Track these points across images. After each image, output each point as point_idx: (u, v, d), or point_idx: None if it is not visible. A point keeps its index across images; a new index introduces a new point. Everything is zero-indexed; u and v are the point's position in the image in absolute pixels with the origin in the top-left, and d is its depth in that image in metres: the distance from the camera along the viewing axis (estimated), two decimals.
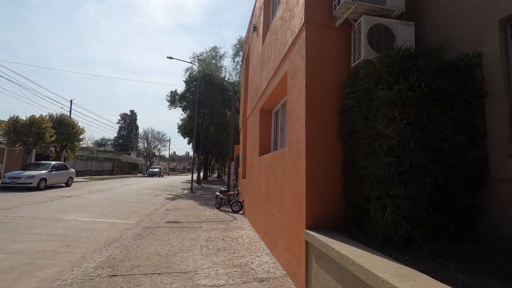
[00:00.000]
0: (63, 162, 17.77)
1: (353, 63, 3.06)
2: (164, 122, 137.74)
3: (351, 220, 2.88)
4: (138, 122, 66.49)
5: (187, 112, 27.53)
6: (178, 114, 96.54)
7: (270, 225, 4.58)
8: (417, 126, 2.08)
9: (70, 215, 7.36)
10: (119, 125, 60.87)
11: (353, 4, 2.89)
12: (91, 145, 39.42)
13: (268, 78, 5.27)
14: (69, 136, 19.63)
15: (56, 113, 20.01)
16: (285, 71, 4.01)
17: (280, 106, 5.64)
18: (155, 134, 54.07)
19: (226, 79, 24.92)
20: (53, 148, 19.03)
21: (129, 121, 63.00)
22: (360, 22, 2.93)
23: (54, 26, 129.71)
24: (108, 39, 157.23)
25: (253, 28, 7.89)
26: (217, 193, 9.96)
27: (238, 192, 9.61)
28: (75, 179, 18.24)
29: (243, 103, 10.37)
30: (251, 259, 4.08)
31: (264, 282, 3.24)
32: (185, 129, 29.39)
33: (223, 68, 25.54)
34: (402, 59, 2.21)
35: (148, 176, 38.56)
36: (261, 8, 6.83)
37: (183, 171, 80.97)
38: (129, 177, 34.47)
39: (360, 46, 2.89)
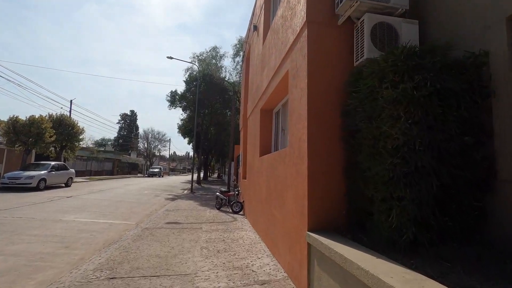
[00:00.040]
0: (62, 163, 17.72)
1: (355, 62, 3.01)
2: (164, 122, 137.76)
3: (354, 221, 2.83)
4: (138, 122, 66.55)
5: (187, 112, 27.48)
6: (178, 114, 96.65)
7: (271, 226, 4.52)
8: (423, 126, 2.02)
9: (69, 215, 7.31)
10: (119, 125, 60.87)
11: (356, 2, 2.84)
12: (91, 145, 39.39)
13: (268, 77, 5.21)
14: (69, 136, 19.58)
15: (56, 113, 19.97)
16: (286, 71, 3.96)
17: (281, 106, 5.59)
18: (155, 134, 54.13)
19: (226, 79, 24.86)
20: (52, 148, 18.97)
21: (129, 121, 62.96)
22: (363, 20, 2.87)
23: (54, 26, 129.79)
24: (108, 39, 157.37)
25: (253, 27, 7.84)
26: (217, 193, 9.91)
27: (239, 192, 9.56)
28: (75, 179, 18.21)
29: (244, 103, 10.31)
30: (251, 261, 4.03)
31: (266, 285, 3.19)
32: (185, 129, 29.34)
33: (223, 68, 25.50)
34: (407, 58, 2.15)
35: (148, 176, 38.51)
36: (262, 7, 6.78)
37: (183, 171, 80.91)
38: (129, 177, 34.42)
39: (363, 44, 2.83)
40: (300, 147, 3.20)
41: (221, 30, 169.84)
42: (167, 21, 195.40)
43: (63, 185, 15.78)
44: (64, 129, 19.24)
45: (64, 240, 5.06)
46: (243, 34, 16.77)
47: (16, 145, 15.81)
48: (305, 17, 3.20)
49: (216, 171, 58.51)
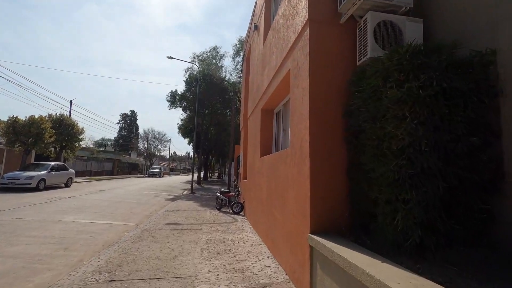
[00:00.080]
0: (62, 163, 17.68)
1: (358, 61, 2.95)
2: (164, 122, 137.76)
3: (357, 224, 2.77)
4: (139, 122, 66.51)
5: (187, 112, 27.41)
6: (178, 114, 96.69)
7: (272, 228, 4.47)
8: (429, 126, 1.97)
9: (68, 216, 7.26)
10: (119, 125, 60.85)
11: (359, 0, 2.78)
12: (91, 146, 39.36)
13: (269, 77, 5.16)
14: (69, 137, 19.52)
15: (56, 114, 19.93)
16: (288, 70, 3.91)
17: (281, 106, 5.54)
18: (155, 134, 54.05)
19: (226, 79, 24.81)
20: (52, 148, 18.92)
21: (129, 121, 62.93)
22: (366, 18, 2.82)
23: (55, 27, 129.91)
24: (108, 39, 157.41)
25: (254, 27, 7.78)
26: (218, 194, 9.86)
27: (239, 193, 9.51)
28: (75, 179, 18.16)
29: (244, 103, 10.26)
30: (252, 263, 3.97)
31: None
32: (185, 129, 29.27)
33: (223, 68, 25.45)
34: (412, 56, 2.10)
35: (148, 176, 38.45)
36: (262, 6, 6.73)
37: (183, 171, 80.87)
38: (129, 177, 34.37)
39: (367, 43, 2.78)
40: (302, 148, 3.14)
41: (221, 30, 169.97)
42: (167, 21, 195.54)
43: (63, 185, 15.73)
44: (64, 129, 19.20)
45: (63, 241, 5.01)
46: (243, 34, 16.74)
47: (15, 145, 15.76)
48: (307, 16, 3.15)
49: (216, 171, 58.46)
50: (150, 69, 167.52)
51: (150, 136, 52.95)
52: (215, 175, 55.56)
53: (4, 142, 16.05)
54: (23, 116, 20.54)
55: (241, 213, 8.60)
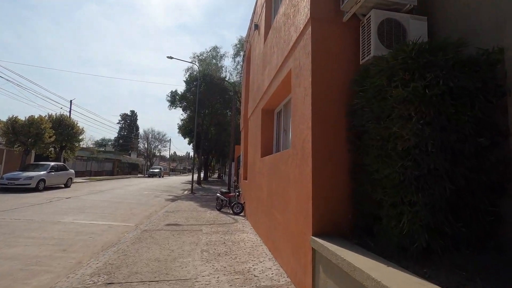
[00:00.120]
0: (62, 163, 17.63)
1: (361, 60, 2.90)
2: (164, 123, 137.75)
3: (360, 226, 2.72)
4: (139, 123, 66.44)
5: (188, 112, 27.35)
6: (178, 114, 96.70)
7: (273, 229, 4.42)
8: (436, 126, 1.92)
9: (68, 217, 7.21)
10: (119, 125, 60.82)
11: None
12: (91, 146, 39.32)
13: (270, 77, 5.11)
14: (69, 137, 19.48)
15: (56, 114, 19.88)
16: (289, 69, 3.86)
17: (282, 106, 5.48)
18: (156, 134, 53.95)
19: (226, 79, 24.76)
20: (52, 148, 18.88)
21: (129, 122, 62.91)
22: (369, 16, 2.77)
23: (55, 27, 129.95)
24: (109, 39, 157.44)
25: (254, 26, 7.73)
26: (218, 194, 9.81)
27: (239, 193, 9.45)
28: (75, 179, 18.11)
29: (244, 103, 10.21)
30: (253, 265, 3.92)
31: None
32: (185, 130, 29.22)
33: (223, 68, 25.40)
34: (418, 55, 2.05)
35: (149, 176, 38.39)
36: (263, 5, 6.68)
37: (183, 171, 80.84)
38: (129, 177, 34.33)
39: (370, 42, 2.73)
40: (304, 148, 3.09)
41: (221, 30, 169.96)
42: (167, 21, 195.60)
43: (63, 185, 15.68)
44: (63, 130, 19.15)
45: (62, 242, 4.96)
46: (244, 34, 16.69)
47: (15, 146, 15.71)
48: (308, 14, 3.10)
49: (217, 171, 58.41)
50: (150, 69, 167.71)
51: (150, 136, 52.90)
52: (215, 175, 55.51)
53: (4, 142, 16.00)
54: (22, 116, 20.51)
55: (241, 214, 8.54)
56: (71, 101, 26.52)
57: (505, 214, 2.04)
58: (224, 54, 25.20)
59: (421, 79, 1.99)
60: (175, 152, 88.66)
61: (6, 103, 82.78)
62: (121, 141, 58.34)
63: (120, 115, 63.58)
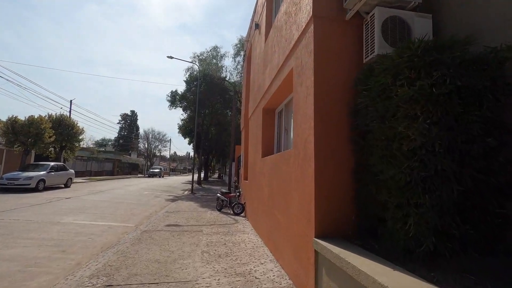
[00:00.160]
0: (62, 163, 17.58)
1: (365, 58, 2.85)
2: (164, 123, 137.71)
3: (363, 228, 2.67)
4: (139, 123, 66.34)
5: (188, 112, 27.30)
6: (178, 114, 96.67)
7: (274, 230, 4.37)
8: (443, 126, 1.86)
9: (67, 217, 7.16)
10: (119, 125, 60.79)
11: None
12: (91, 146, 39.27)
13: (271, 76, 5.06)
14: (69, 137, 19.44)
15: (56, 114, 19.84)
16: (291, 68, 3.80)
17: (284, 106, 5.43)
18: (156, 134, 53.88)
19: (227, 79, 24.71)
20: (52, 148, 18.84)
21: (129, 122, 62.88)
22: (373, 14, 2.71)
23: (55, 27, 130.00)
24: (109, 39, 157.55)
25: (255, 25, 7.68)
26: (218, 194, 9.75)
27: (240, 193, 9.40)
28: (75, 180, 18.06)
29: (245, 103, 10.16)
30: (254, 267, 3.87)
31: None
32: (185, 130, 29.16)
33: (224, 68, 25.35)
34: (424, 53, 2.00)
35: (149, 176, 38.35)
36: (264, 4, 6.63)
37: (183, 171, 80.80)
38: (129, 177, 34.30)
39: (374, 40, 2.68)
40: (306, 148, 3.04)
41: (221, 30, 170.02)
42: (167, 21, 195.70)
43: (63, 185, 15.64)
44: (63, 130, 19.11)
45: (61, 243, 4.92)
46: (244, 34, 16.63)
47: (15, 146, 15.67)
48: (311, 12, 3.05)
49: (217, 171, 58.35)
50: (151, 69, 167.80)
51: (150, 136, 52.84)
52: (216, 175, 55.45)
53: (4, 142, 15.96)
54: (22, 116, 20.47)
55: (242, 214, 8.49)
56: (71, 101, 26.49)
57: None
58: (224, 54, 25.18)
59: (428, 78, 1.94)
60: (175, 152, 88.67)
61: (6, 103, 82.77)
62: (121, 141, 58.30)
63: (120, 115, 63.67)
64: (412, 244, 1.91)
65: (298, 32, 3.49)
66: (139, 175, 43.18)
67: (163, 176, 41.96)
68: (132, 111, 63.59)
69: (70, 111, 25.47)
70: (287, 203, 3.71)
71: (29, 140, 15.63)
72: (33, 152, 18.52)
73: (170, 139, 56.79)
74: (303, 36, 3.35)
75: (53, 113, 19.66)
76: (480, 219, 1.92)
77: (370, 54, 2.72)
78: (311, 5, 3.06)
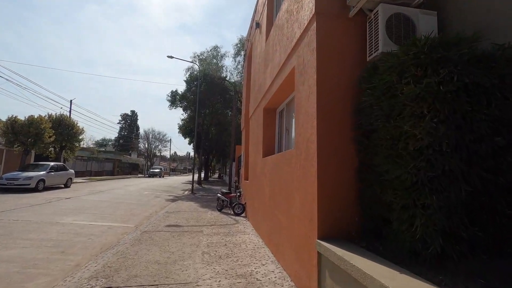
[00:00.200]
0: (62, 163, 17.53)
1: (369, 56, 2.80)
2: (165, 123, 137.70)
3: (368, 229, 2.62)
4: (139, 123, 66.25)
5: (188, 112, 27.24)
6: (178, 114, 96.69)
7: (275, 231, 4.31)
8: (451, 125, 1.81)
9: (67, 218, 7.11)
10: (120, 125, 60.73)
11: None
12: (92, 146, 39.22)
13: (272, 75, 5.01)
14: (69, 137, 19.39)
15: (56, 113, 19.80)
16: (292, 67, 3.75)
17: (285, 105, 5.38)
18: (156, 134, 53.82)
19: (227, 78, 24.65)
20: (52, 148, 18.79)
21: (130, 122, 62.82)
22: (377, 11, 2.66)
23: (56, 27, 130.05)
24: (110, 39, 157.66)
25: (256, 25, 7.63)
26: (219, 194, 9.70)
27: (240, 194, 9.34)
28: (75, 180, 18.02)
29: (245, 103, 10.11)
30: (255, 268, 3.82)
31: None
32: (185, 129, 29.11)
33: (224, 68, 25.29)
34: (431, 49, 1.95)
35: (149, 176, 38.30)
36: (265, 3, 6.58)
37: (183, 171, 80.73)
38: (129, 177, 34.25)
39: (378, 37, 2.62)
40: (308, 148, 2.99)
41: (221, 30, 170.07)
42: (167, 21, 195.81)
43: (63, 186, 15.58)
44: (63, 129, 19.06)
45: (60, 244, 4.87)
46: (244, 34, 16.58)
47: (14, 146, 15.63)
48: (313, 9, 3.00)
49: (217, 171, 58.30)
50: (151, 69, 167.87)
51: (150, 136, 52.75)
52: (216, 175, 55.40)
53: (3, 142, 15.92)
54: (22, 116, 20.42)
55: (242, 215, 8.44)
56: (71, 101, 26.45)
57: None
58: (224, 54, 25.11)
59: (435, 75, 1.89)
60: (175, 152, 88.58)
61: (6, 103, 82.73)
62: (121, 141, 58.24)
63: (121, 115, 63.57)
64: (418, 246, 1.86)
65: (300, 30, 3.44)
66: (139, 175, 43.13)
67: (163, 176, 41.90)
68: (132, 111, 63.56)
69: (70, 111, 25.45)
70: (289, 204, 3.66)
71: (29, 140, 15.58)
72: (33, 152, 18.47)
73: (170, 139, 56.73)
74: (305, 34, 3.30)
75: (53, 113, 19.63)
76: (488, 220, 1.87)
77: (374, 52, 2.67)
78: (314, 2, 3.01)
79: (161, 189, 18.57)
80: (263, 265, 3.97)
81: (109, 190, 15.35)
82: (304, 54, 3.28)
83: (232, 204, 8.89)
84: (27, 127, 15.39)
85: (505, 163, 1.89)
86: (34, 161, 18.62)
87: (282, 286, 3.24)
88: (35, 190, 12.69)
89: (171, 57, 18.19)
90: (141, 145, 54.26)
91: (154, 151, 54.15)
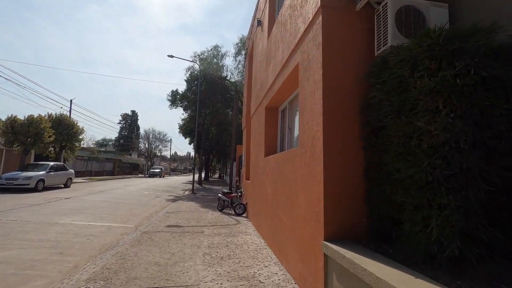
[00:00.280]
0: (62, 163, 17.45)
1: (377, 51, 2.69)
2: (165, 122, 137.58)
3: (376, 230, 2.51)
4: (139, 122, 66.23)
5: (188, 112, 27.12)
6: (179, 114, 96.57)
7: (278, 232, 4.21)
8: (469, 120, 1.71)
9: (66, 218, 7.01)
10: (120, 125, 60.67)
11: None
12: (92, 146, 39.15)
13: (275, 73, 4.91)
14: (69, 136, 19.30)
15: (55, 113, 19.71)
16: (296, 63, 3.65)
17: (287, 103, 5.28)
18: (156, 134, 53.73)
19: (227, 78, 24.54)
20: (52, 148, 18.71)
21: (130, 121, 62.76)
22: (386, 4, 2.56)
23: (57, 27, 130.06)
24: (110, 39, 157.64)
25: (257, 22, 7.52)
26: (219, 194, 9.60)
27: (241, 193, 9.24)
28: (75, 180, 17.93)
29: (247, 102, 10.00)
30: (258, 270, 3.72)
31: None
32: (186, 129, 29.00)
33: (224, 67, 25.17)
34: (447, 41, 1.84)
35: (149, 176, 38.21)
36: (266, 0, 6.47)
37: (184, 171, 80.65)
38: (130, 177, 34.17)
39: (387, 31, 2.52)
40: (314, 146, 2.88)
41: (222, 30, 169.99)
42: (168, 21, 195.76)
43: (62, 185, 15.49)
44: (63, 129, 18.97)
45: (58, 245, 4.77)
46: (245, 34, 16.48)
47: (14, 145, 15.54)
48: (319, 2, 2.89)
49: (217, 171, 58.19)
50: (152, 69, 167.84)
51: (151, 136, 52.66)
52: (216, 175, 55.29)
53: (3, 142, 15.84)
54: (22, 115, 20.34)
55: (243, 215, 8.34)
56: (71, 100, 26.36)
57: None
58: (225, 53, 24.99)
59: (450, 68, 1.78)
60: (175, 152, 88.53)
61: (7, 103, 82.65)
62: (121, 141, 58.17)
63: (121, 115, 63.51)
64: (434, 248, 1.75)
65: (304, 25, 3.34)
66: (139, 175, 43.04)
67: (163, 176, 41.81)
68: (133, 111, 63.52)
69: (70, 111, 25.37)
70: (292, 204, 3.56)
71: (29, 139, 15.50)
72: (32, 152, 18.39)
73: (171, 139, 56.75)
74: (310, 29, 3.19)
75: (53, 113, 19.55)
76: (508, 221, 1.76)
77: (383, 46, 2.57)
78: None
79: (161, 189, 18.47)
80: (266, 266, 3.87)
81: (109, 190, 15.25)
82: (309, 49, 3.18)
83: (233, 204, 8.79)
84: (26, 126, 15.30)
85: None
86: (33, 161, 18.54)
87: None
88: (34, 190, 12.60)
89: (172, 56, 18.10)
90: (142, 145, 54.24)
91: (155, 151, 54.06)
